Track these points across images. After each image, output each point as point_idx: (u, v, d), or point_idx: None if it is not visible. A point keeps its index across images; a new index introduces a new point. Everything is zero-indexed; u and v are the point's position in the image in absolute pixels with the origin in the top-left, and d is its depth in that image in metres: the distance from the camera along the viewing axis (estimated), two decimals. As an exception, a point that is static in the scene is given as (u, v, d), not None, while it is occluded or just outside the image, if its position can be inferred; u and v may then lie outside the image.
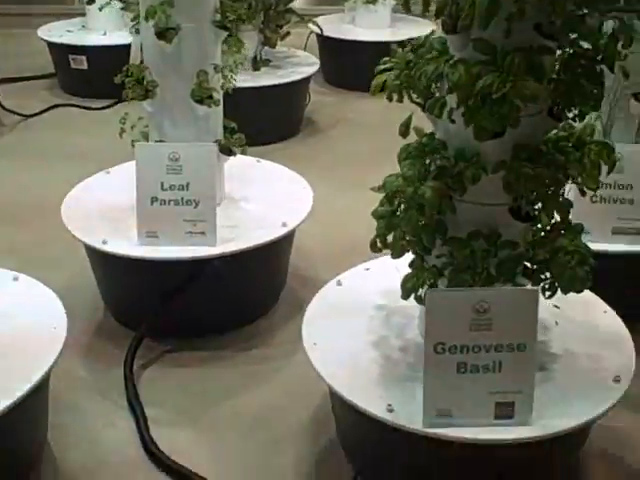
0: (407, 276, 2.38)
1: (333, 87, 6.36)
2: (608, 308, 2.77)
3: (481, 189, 2.25)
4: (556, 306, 2.72)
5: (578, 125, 2.40)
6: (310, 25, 6.09)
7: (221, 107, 3.39)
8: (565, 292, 2.39)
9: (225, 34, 3.23)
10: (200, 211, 3.08)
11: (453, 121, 2.18)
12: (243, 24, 4.86)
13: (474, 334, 2.07)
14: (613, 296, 2.77)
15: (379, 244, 2.38)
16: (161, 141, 3.27)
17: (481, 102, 2.02)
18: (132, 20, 3.27)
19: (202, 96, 3.16)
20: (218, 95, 3.27)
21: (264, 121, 5.00)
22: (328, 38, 6.28)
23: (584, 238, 3.17)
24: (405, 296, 2.36)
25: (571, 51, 2.13)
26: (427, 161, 2.30)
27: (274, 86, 5.16)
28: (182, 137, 3.25)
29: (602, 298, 2.80)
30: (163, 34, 3.01)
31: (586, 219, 3.24)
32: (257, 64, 5.19)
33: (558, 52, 2.13)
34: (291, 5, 5.32)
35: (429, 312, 2.07)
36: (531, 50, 2.04)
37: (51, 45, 6.20)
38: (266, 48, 5.37)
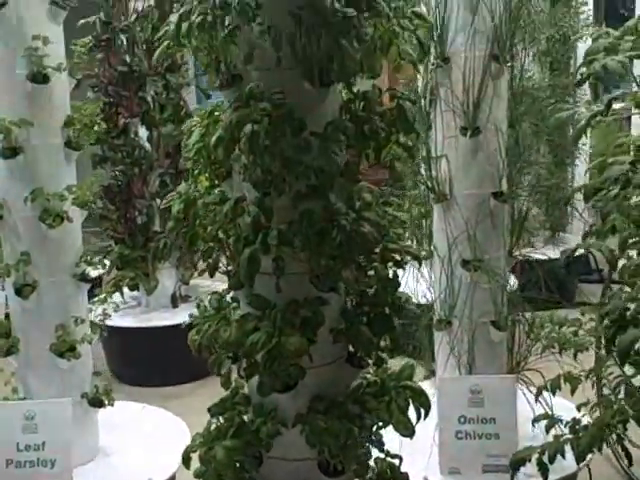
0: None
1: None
2: None
3: (286, 443, 2.16)
4: None
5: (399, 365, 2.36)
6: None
7: (89, 357, 3.36)
8: None
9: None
10: (56, 473, 2.97)
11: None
12: (159, 263, 5.01)
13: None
14: None
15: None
16: (24, 398, 3.21)
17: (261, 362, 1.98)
18: (-3, 276, 3.32)
19: (63, 350, 3.14)
20: (82, 347, 3.25)
21: (180, 360, 4.95)
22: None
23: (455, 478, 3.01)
24: None
25: (353, 302, 2.12)
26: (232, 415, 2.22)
27: (190, 324, 5.15)
28: (47, 392, 3.19)
29: None
30: (19, 290, 3.04)
31: (455, 458, 3.14)
32: (175, 301, 5.22)
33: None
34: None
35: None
36: (305, 302, 2.03)
37: None
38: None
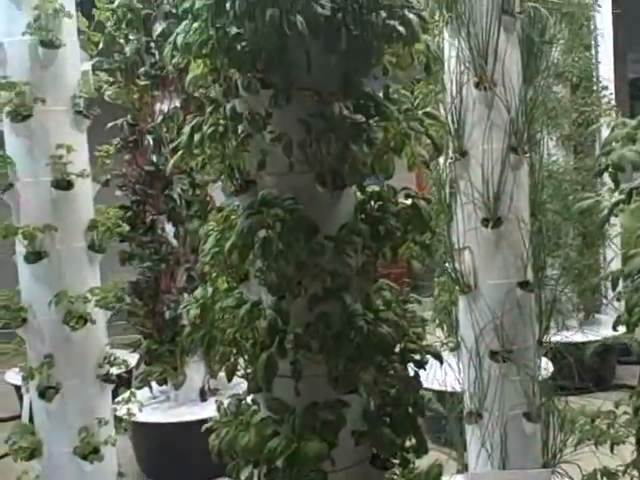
0: None
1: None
2: None
3: None
4: None
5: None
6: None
7: (113, 457, 3.33)
8: None
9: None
10: None
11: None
12: (187, 356, 4.98)
13: None
14: None
15: None
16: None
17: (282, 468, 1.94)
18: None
19: (86, 452, 3.12)
20: (106, 448, 3.22)
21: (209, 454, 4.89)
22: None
23: None
24: None
25: (376, 402, 2.08)
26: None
27: (220, 417, 5.10)
28: None
29: None
30: (43, 393, 3.05)
31: None
32: (204, 394, 5.19)
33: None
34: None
35: None
36: (325, 405, 2.00)
37: None
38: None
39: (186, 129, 1.86)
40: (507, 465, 3.27)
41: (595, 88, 6.70)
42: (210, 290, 2.16)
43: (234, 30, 1.76)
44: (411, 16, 1.94)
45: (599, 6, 6.59)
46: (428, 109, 2.26)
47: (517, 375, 3.23)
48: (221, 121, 1.83)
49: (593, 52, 6.91)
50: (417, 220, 2.07)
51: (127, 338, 5.26)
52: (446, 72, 3.27)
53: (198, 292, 2.07)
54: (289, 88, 1.84)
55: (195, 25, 1.79)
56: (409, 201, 2.10)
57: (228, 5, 1.74)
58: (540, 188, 3.47)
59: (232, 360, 2.03)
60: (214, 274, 2.15)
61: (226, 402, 2.15)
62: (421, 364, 2.05)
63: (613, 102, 6.71)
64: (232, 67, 1.81)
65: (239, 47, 1.79)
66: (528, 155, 3.32)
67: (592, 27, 6.76)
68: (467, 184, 3.23)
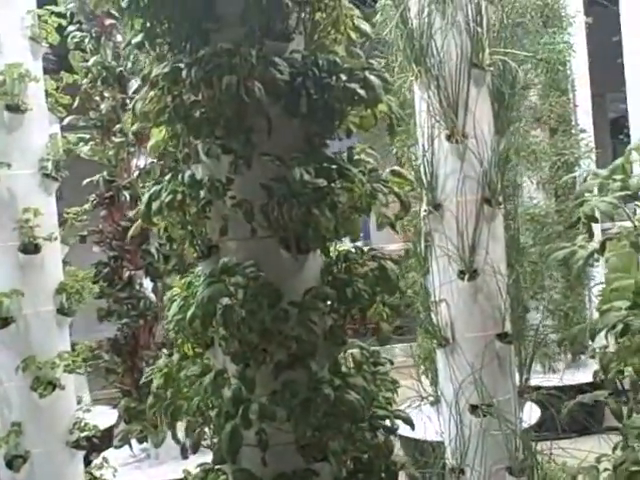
0: None
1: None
2: None
3: None
4: None
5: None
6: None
7: None
8: None
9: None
10: None
11: None
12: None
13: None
14: None
15: None
16: None
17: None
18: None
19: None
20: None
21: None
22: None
23: None
24: None
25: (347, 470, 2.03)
26: None
27: None
28: None
29: None
30: (10, 462, 2.97)
31: None
32: (185, 452, 5.09)
33: None
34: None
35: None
36: (294, 475, 1.95)
37: None
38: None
39: (144, 197, 1.83)
40: (492, 523, 3.20)
41: (573, 131, 6.76)
42: (177, 357, 2.12)
43: (191, 98, 1.75)
44: (372, 78, 1.94)
45: (574, 51, 6.68)
46: (395, 167, 2.25)
47: (498, 429, 3.18)
48: (180, 188, 1.80)
49: (571, 96, 6.99)
50: (384, 281, 2.04)
51: (108, 393, 5.18)
52: (418, 125, 3.27)
53: (162, 361, 2.02)
54: (250, 153, 1.82)
55: (152, 93, 1.77)
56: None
57: (184, 73, 1.73)
58: (517, 237, 3.46)
59: (197, 430, 1.98)
60: (179, 340, 2.11)
61: (194, 471, 2.09)
62: (391, 430, 2.00)
63: (592, 144, 6.76)
64: (190, 134, 1.79)
65: (198, 114, 1.77)
66: (503, 206, 3.31)
67: (568, 71, 6.85)
68: (442, 236, 3.21)
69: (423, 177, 3.19)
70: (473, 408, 3.21)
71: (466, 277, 3.18)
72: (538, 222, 6.19)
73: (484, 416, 3.19)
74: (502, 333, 3.22)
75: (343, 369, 2.01)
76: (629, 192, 2.53)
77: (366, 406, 1.93)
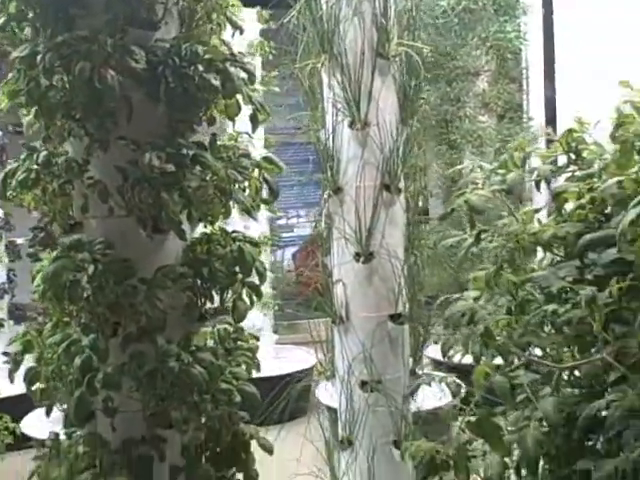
0: None
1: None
2: None
3: None
4: None
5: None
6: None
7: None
8: None
9: None
10: None
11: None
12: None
13: None
14: None
15: None
16: None
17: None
18: None
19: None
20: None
21: None
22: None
23: None
24: None
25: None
26: None
27: None
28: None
29: None
30: None
31: None
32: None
33: None
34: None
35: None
36: (143, 440, 2.07)
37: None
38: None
39: (1, 175, 1.93)
40: (375, 493, 3.36)
41: (524, 119, 6.88)
42: (49, 325, 2.23)
43: (46, 82, 1.84)
44: (232, 70, 2.03)
45: (525, 40, 6.79)
46: (266, 154, 2.36)
47: (386, 405, 3.32)
48: (34, 167, 1.90)
49: (524, 84, 7.10)
50: (242, 263, 2.15)
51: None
52: (324, 112, 3.36)
53: (22, 328, 2.13)
54: (104, 137, 1.92)
55: (10, 75, 1.86)
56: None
57: (39, 58, 1.82)
58: (417, 223, 3.56)
59: (51, 396, 2.10)
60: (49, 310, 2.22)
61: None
62: (234, 403, 2.14)
63: (540, 132, 6.88)
64: (44, 117, 1.89)
65: (53, 98, 1.87)
66: (404, 193, 3.42)
67: (522, 59, 6.97)
68: (341, 219, 3.32)
69: (325, 161, 3.29)
70: (363, 384, 3.35)
71: (361, 259, 3.30)
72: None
73: (372, 392, 3.33)
74: (395, 314, 3.35)
75: (195, 344, 2.13)
76: (504, 187, 2.65)
77: (213, 379, 2.06)
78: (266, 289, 7.42)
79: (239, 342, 2.28)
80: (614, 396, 1.68)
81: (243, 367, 2.22)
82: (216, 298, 2.21)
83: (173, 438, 2.11)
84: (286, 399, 4.00)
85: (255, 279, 2.23)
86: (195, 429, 2.11)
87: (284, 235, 9.59)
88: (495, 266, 2.26)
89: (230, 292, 2.20)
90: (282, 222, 9.22)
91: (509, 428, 1.86)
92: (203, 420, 2.12)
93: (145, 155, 1.90)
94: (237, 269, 2.17)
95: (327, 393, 4.23)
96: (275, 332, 7.50)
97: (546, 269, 2.21)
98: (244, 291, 2.21)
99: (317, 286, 3.60)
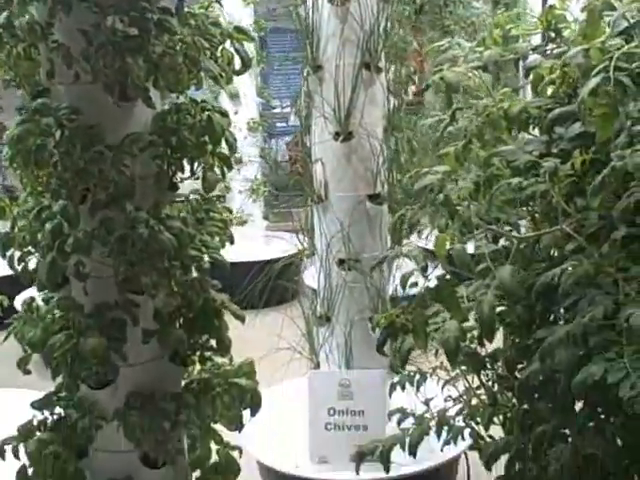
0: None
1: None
2: None
3: (109, 437, 2.27)
4: None
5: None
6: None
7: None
8: None
9: None
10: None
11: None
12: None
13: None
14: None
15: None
16: None
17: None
18: None
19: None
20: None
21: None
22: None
23: (324, 467, 3.14)
24: None
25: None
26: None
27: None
28: None
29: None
30: None
31: (325, 448, 3.26)
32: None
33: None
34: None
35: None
36: (116, 305, 2.14)
37: None
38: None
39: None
40: (352, 366, 3.48)
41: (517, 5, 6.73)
42: (24, 194, 2.26)
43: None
44: None
45: None
46: (238, 24, 2.33)
47: (363, 283, 3.40)
48: (-5, 29, 1.88)
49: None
50: (210, 132, 2.16)
51: None
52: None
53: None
54: (67, -1, 1.89)
55: None
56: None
57: None
58: (399, 102, 3.54)
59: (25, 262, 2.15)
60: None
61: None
62: (202, 270, 2.19)
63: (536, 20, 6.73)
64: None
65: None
66: (384, 72, 3.39)
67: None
68: (320, 98, 3.31)
69: (304, 38, 3.25)
70: (340, 262, 3.42)
71: (340, 138, 3.31)
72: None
73: (349, 270, 3.40)
74: (374, 194, 3.39)
75: (167, 213, 2.16)
76: (480, 64, 2.62)
77: (182, 246, 2.10)
78: (256, 175, 7.45)
79: (212, 213, 2.31)
80: (569, 264, 1.72)
81: (217, 239, 2.26)
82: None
83: (146, 304, 2.17)
84: (271, 282, 4.09)
85: (226, 151, 2.24)
86: (167, 295, 2.17)
87: (279, 125, 9.53)
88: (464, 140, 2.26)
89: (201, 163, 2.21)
90: (278, 111, 9.14)
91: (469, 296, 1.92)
92: (174, 287, 2.18)
93: (108, 18, 1.88)
94: (207, 139, 2.17)
95: (311, 275, 4.33)
96: (266, 218, 7.55)
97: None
98: (215, 162, 2.23)
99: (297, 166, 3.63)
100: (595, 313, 1.51)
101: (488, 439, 2.30)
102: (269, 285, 4.12)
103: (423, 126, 3.55)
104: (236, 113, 7.34)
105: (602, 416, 1.79)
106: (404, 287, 1.90)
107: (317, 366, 3.72)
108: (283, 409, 3.57)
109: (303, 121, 3.42)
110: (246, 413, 2.43)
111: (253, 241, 6.74)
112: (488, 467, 2.10)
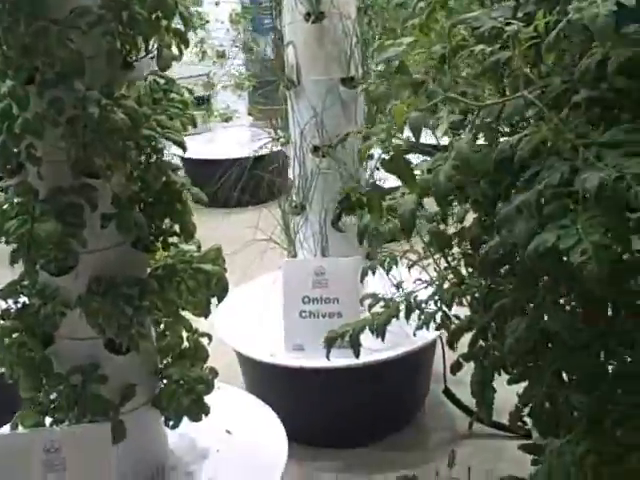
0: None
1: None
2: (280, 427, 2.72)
3: (73, 324, 2.26)
4: (228, 431, 2.70)
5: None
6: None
7: None
8: (177, 421, 2.38)
9: None
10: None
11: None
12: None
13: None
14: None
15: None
16: None
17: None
18: None
19: None
20: None
21: None
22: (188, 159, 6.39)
23: (299, 354, 3.16)
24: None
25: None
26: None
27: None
28: None
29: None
30: None
31: (299, 335, 3.27)
32: None
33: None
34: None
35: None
36: (71, 189, 2.09)
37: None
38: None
39: None
40: (328, 254, 3.47)
41: None
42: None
43: None
44: None
45: None
46: None
47: (337, 169, 3.34)
48: None
49: None
50: (163, 6, 2.06)
51: None
52: None
53: None
54: None
55: None
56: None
57: None
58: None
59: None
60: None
61: None
62: (158, 150, 2.12)
63: None
64: None
65: None
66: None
67: None
68: (289, -26, 3.17)
69: None
70: (315, 149, 3.36)
71: (312, 19, 3.18)
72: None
73: (324, 157, 3.34)
74: (347, 78, 3.29)
75: (122, 93, 2.08)
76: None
77: (136, 126, 2.03)
78: (240, 69, 7.27)
79: (171, 94, 2.23)
80: (527, 130, 1.66)
81: (178, 123, 2.19)
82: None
83: (104, 188, 2.12)
84: (247, 178, 4.03)
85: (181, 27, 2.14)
86: (125, 179, 2.12)
87: (267, 22, 9.22)
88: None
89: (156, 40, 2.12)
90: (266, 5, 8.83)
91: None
92: (132, 170, 2.12)
93: None
94: (159, 14, 2.07)
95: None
96: (250, 114, 7.41)
97: (481, 13, 2.12)
98: (172, 40, 2.13)
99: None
100: (551, 179, 1.46)
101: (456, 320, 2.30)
102: (249, 182, 4.07)
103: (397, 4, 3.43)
104: (217, 4, 7.10)
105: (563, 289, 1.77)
106: (361, 161, 1.84)
107: (295, 257, 3.71)
108: (260, 301, 3.58)
109: (274, 4, 3.28)
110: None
111: (240, 136, 6.64)
112: (451, 346, 2.09)
